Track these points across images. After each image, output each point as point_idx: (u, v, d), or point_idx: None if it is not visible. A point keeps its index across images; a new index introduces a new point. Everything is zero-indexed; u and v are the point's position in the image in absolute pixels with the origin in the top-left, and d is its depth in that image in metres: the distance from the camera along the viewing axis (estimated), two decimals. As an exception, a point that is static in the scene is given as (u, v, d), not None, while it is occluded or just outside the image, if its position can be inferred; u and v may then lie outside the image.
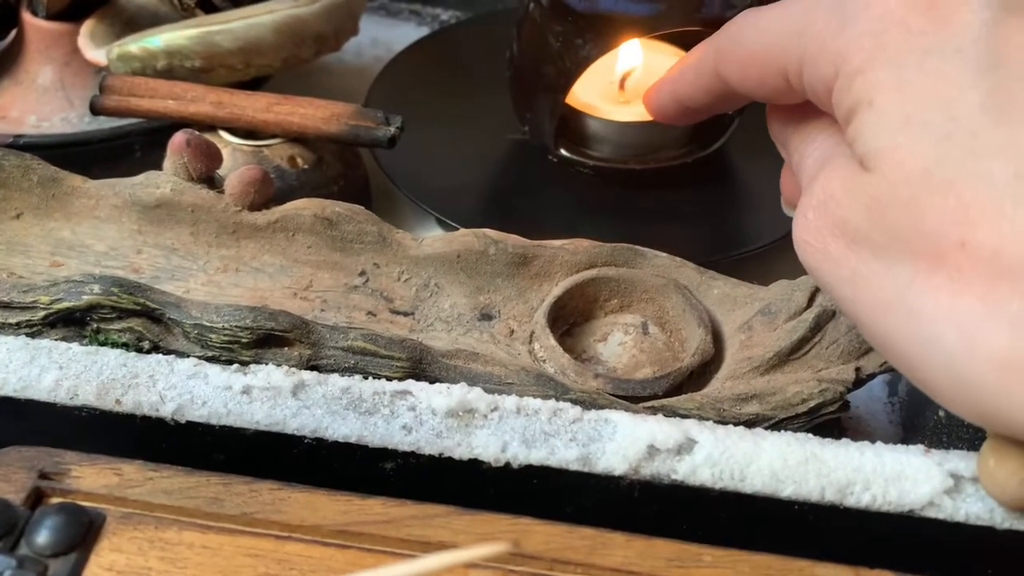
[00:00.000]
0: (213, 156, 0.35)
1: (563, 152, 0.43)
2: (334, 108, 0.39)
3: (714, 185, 0.44)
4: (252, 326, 0.30)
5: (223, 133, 0.39)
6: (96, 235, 0.35)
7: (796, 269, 0.41)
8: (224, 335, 0.30)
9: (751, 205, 0.43)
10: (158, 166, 0.37)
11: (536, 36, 0.41)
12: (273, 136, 0.39)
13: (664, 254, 0.36)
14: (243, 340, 0.30)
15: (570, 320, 0.35)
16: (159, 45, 0.39)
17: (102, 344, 0.31)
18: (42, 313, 0.31)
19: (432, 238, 0.35)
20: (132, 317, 0.31)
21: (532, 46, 0.42)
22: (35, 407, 0.28)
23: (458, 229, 0.39)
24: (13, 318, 0.31)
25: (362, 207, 0.35)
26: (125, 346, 0.31)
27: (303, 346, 0.31)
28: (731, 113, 0.44)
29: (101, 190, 0.35)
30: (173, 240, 0.35)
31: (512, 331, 0.35)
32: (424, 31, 0.57)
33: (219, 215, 0.35)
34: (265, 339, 0.31)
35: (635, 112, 0.43)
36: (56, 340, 0.31)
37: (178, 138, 0.34)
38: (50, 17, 0.45)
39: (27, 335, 0.31)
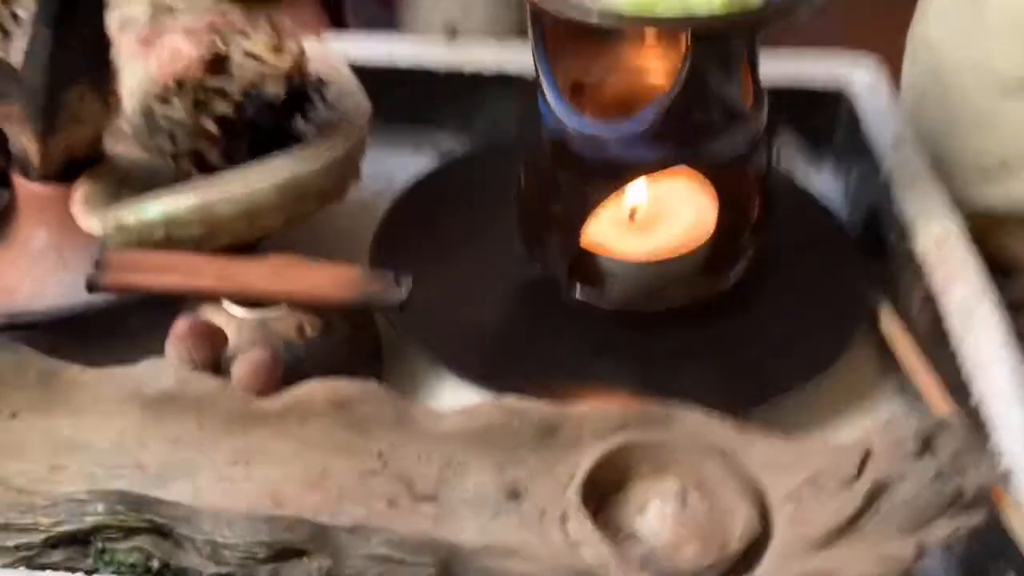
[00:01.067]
0: (217, 341, 0.33)
1: (579, 294, 0.42)
2: (341, 272, 0.37)
3: (735, 321, 0.42)
4: (268, 540, 0.28)
5: (227, 305, 0.37)
6: (98, 430, 0.33)
7: (828, 409, 0.41)
8: (239, 551, 0.28)
9: (776, 341, 0.41)
10: (160, 336, 0.36)
11: (544, 178, 0.40)
12: (279, 303, 0.37)
13: (698, 413, 0.34)
14: (259, 556, 0.28)
15: (603, 490, 0.33)
16: (156, 216, 0.38)
17: (108, 564, 0.29)
18: (42, 536, 0.29)
19: (452, 414, 0.33)
20: (140, 535, 0.29)
21: (540, 188, 0.41)
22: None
23: (472, 383, 0.38)
24: (11, 540, 0.29)
25: (375, 384, 0.33)
26: (133, 567, 0.29)
27: (323, 556, 0.29)
28: (745, 242, 0.43)
29: (101, 381, 0.34)
30: (180, 432, 0.33)
31: (543, 512, 0.32)
32: (423, 160, 0.56)
33: (227, 404, 0.33)
34: (283, 551, 0.29)
35: (649, 247, 0.42)
36: (58, 561, 0.28)
37: (180, 327, 0.33)
38: (42, 179, 0.43)
39: (26, 558, 0.29)
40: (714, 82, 0.35)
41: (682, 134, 0.36)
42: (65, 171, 0.44)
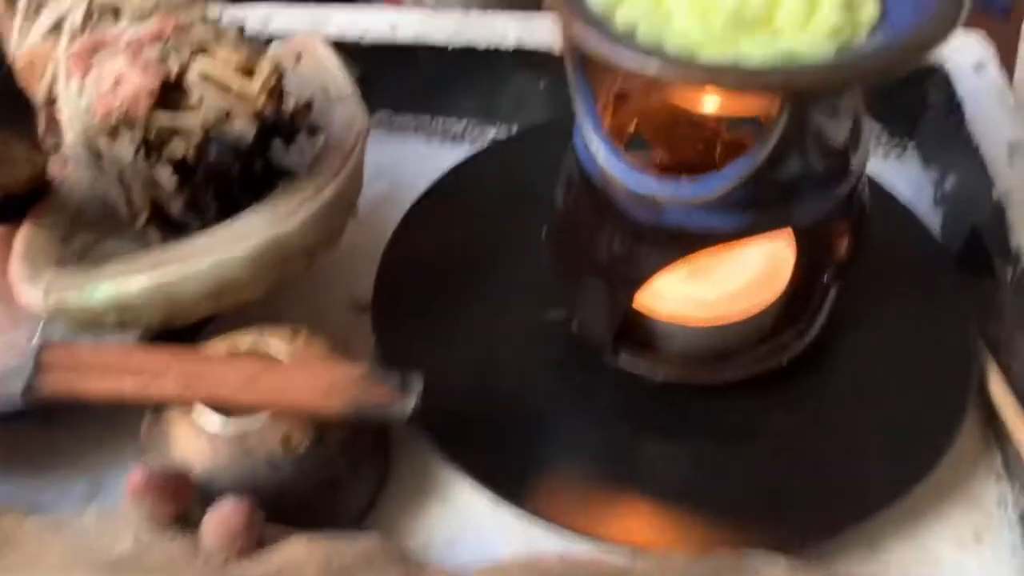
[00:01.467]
0: (182, 494, 0.27)
1: (623, 362, 0.34)
2: (333, 375, 0.30)
3: (813, 396, 0.35)
4: None
5: (198, 413, 0.30)
6: (44, 595, 0.27)
7: (926, 508, 0.34)
8: None
9: (863, 429, 0.34)
10: (129, 427, 0.30)
11: (584, 230, 0.32)
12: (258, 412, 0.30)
13: (782, 562, 0.27)
14: None
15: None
16: (106, 299, 0.31)
17: None
18: None
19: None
20: None
21: (579, 240, 0.33)
22: None
23: (492, 491, 0.31)
24: None
25: (376, 541, 0.27)
26: None
27: None
28: (825, 294, 0.35)
29: (43, 536, 0.27)
30: (142, 598, 0.27)
31: None
32: (435, 148, 0.47)
33: (199, 570, 0.27)
34: None
35: (709, 305, 0.34)
36: None
37: (134, 480, 0.26)
38: (-22, 221, 0.36)
39: None
40: (811, 139, 0.27)
41: (766, 201, 0.28)
42: (5, 211, 0.36)
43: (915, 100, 0.44)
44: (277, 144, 0.35)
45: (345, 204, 0.35)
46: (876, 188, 0.41)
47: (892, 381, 0.35)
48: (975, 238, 0.39)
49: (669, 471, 0.34)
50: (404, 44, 0.44)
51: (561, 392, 0.36)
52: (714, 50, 0.26)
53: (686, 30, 0.26)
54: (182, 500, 0.27)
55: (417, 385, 0.30)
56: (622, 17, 0.27)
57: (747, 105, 0.31)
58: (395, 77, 0.45)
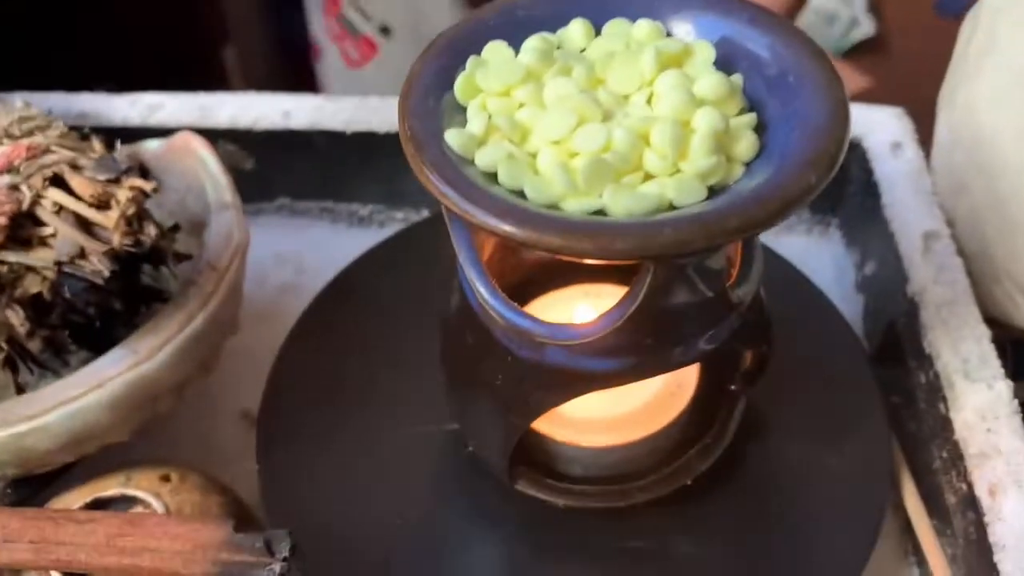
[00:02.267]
0: None
1: (523, 488, 0.33)
2: (197, 537, 0.28)
3: (720, 512, 0.33)
4: None
5: (53, 576, 0.28)
6: None
7: None
8: None
9: (784, 539, 0.32)
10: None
11: (470, 355, 0.31)
12: None
13: None
14: None
15: None
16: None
17: None
18: None
19: None
20: None
21: (466, 364, 0.31)
22: None
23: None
24: None
25: None
26: None
27: None
28: (732, 393, 0.34)
29: None
30: None
31: None
32: (341, 232, 0.45)
33: None
34: None
35: (611, 424, 0.33)
36: None
37: None
38: None
39: None
40: (685, 287, 0.25)
41: (643, 347, 0.26)
42: None
43: (838, 175, 0.43)
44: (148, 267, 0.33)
45: (220, 327, 0.33)
46: (794, 274, 0.40)
47: (805, 495, 0.34)
48: (891, 335, 0.37)
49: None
50: (299, 130, 0.42)
51: (458, 514, 0.34)
52: (576, 202, 0.24)
53: (547, 178, 0.24)
54: None
55: (284, 547, 0.28)
56: (481, 161, 0.25)
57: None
58: (293, 164, 0.43)
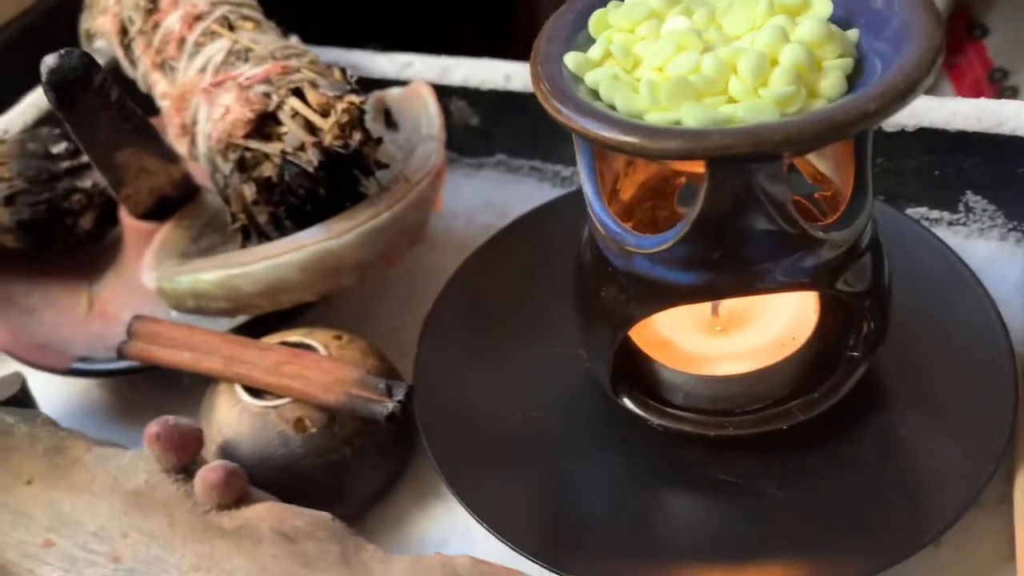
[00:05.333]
0: (187, 447, 0.32)
1: (625, 402, 0.36)
2: (338, 373, 0.35)
3: (817, 461, 0.34)
4: None
5: (238, 388, 0.36)
6: (90, 511, 0.34)
7: None
8: None
9: (865, 498, 0.33)
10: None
11: (585, 276, 0.34)
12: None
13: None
14: None
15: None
16: (185, 288, 0.38)
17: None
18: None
19: (398, 565, 0.30)
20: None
21: (583, 286, 0.35)
22: None
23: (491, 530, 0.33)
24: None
25: (328, 518, 0.31)
26: None
27: None
28: (853, 358, 0.34)
29: (98, 466, 0.34)
30: (154, 527, 0.33)
31: None
32: (545, 189, 0.51)
33: (190, 512, 0.32)
34: None
35: (731, 353, 0.35)
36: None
37: (150, 430, 0.32)
38: (139, 217, 0.45)
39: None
40: (750, 204, 0.27)
41: (715, 262, 0.29)
42: (158, 209, 0.45)
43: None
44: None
45: (403, 229, 0.40)
46: (956, 263, 0.39)
47: (901, 464, 0.34)
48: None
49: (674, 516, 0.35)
50: (517, 92, 0.48)
51: (569, 422, 0.37)
52: (656, 115, 0.27)
53: (636, 95, 0.28)
54: (186, 451, 0.32)
55: (400, 393, 0.34)
56: (589, 79, 0.29)
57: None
58: (511, 124, 0.50)
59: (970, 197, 0.43)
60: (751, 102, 0.27)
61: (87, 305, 0.46)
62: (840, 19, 0.29)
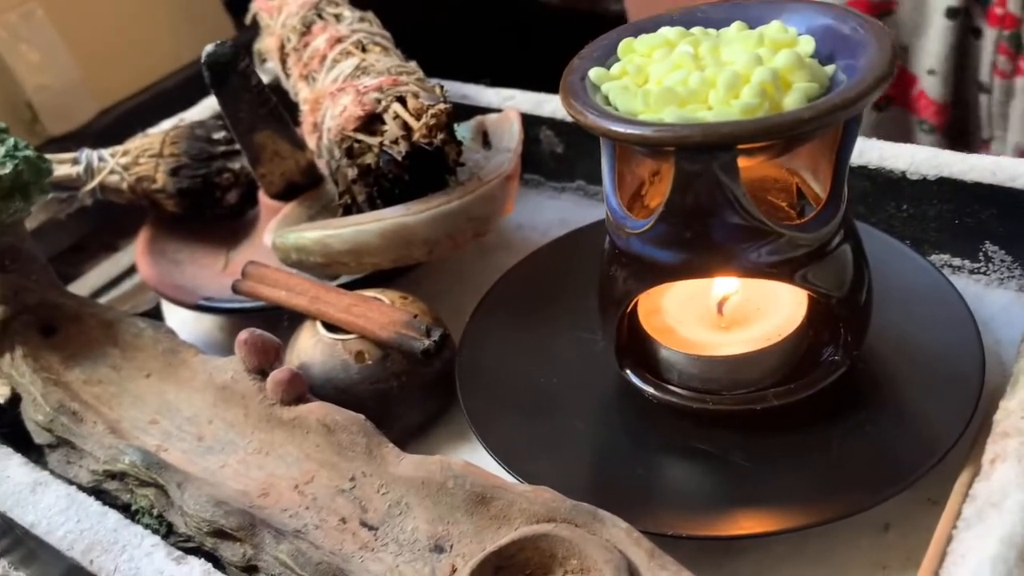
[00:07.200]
0: (267, 353, 0.41)
1: (629, 374, 0.42)
2: (393, 315, 0.42)
3: (790, 440, 0.39)
4: (210, 519, 0.35)
5: (318, 324, 0.45)
6: (188, 401, 0.43)
7: None
8: (193, 521, 0.36)
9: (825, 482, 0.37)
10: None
11: (602, 259, 0.41)
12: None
13: (624, 524, 0.33)
14: (203, 529, 0.36)
15: (526, 571, 0.35)
16: (292, 243, 0.47)
17: (134, 503, 0.39)
18: (102, 467, 0.39)
19: (408, 460, 0.37)
20: (149, 487, 0.38)
21: (602, 270, 0.41)
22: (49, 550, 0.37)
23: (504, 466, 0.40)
24: (89, 464, 0.40)
25: (361, 418, 0.38)
26: (143, 510, 0.38)
27: (248, 545, 0.35)
28: (832, 349, 0.39)
29: (200, 366, 0.44)
30: (233, 417, 0.42)
31: (454, 570, 0.35)
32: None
33: (259, 403, 0.41)
34: (220, 532, 0.36)
35: (723, 342, 0.40)
36: (111, 490, 0.39)
37: (240, 336, 0.41)
38: (272, 197, 0.55)
39: (96, 483, 0.40)
40: (714, 191, 0.34)
41: (690, 243, 0.35)
42: (288, 191, 0.55)
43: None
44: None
45: (469, 219, 0.47)
46: (964, 315, 0.42)
47: (874, 457, 0.38)
48: None
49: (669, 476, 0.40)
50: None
51: (586, 392, 0.43)
52: (646, 115, 0.34)
53: (633, 100, 0.35)
54: (266, 357, 0.41)
55: (436, 334, 0.41)
56: (604, 88, 0.36)
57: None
58: (591, 154, 0.57)
59: (988, 247, 0.46)
60: (722, 109, 0.33)
61: (223, 265, 0.57)
62: (824, 56, 0.36)
